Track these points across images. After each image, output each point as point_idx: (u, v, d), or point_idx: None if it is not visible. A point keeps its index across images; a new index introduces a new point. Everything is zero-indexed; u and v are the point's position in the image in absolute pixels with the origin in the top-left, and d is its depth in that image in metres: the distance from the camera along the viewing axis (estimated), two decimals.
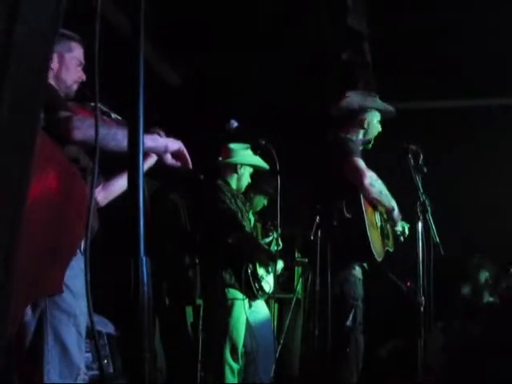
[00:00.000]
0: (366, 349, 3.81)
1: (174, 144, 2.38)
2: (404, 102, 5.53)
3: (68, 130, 2.14)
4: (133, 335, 1.25)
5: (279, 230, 3.89)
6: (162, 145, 2.34)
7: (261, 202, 4.67)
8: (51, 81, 2.44)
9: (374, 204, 3.84)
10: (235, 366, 3.91)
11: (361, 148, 3.92)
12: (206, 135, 4.46)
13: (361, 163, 3.71)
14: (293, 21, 5.07)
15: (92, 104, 2.46)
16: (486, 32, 5.03)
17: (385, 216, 3.95)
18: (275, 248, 4.09)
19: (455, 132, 5.90)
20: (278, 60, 5.31)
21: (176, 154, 2.39)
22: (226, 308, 3.89)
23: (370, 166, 3.81)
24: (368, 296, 3.82)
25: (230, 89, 5.36)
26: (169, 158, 2.38)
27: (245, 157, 4.15)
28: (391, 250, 3.94)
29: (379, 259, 3.70)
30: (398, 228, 4.03)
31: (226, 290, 3.90)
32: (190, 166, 2.43)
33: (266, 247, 4.11)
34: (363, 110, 3.95)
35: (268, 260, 4.06)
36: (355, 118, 3.95)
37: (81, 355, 2.27)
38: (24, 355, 2.23)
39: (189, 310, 4.54)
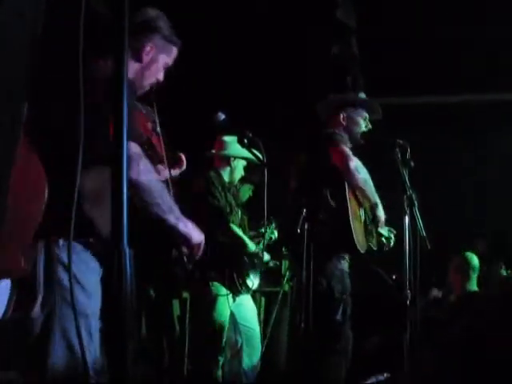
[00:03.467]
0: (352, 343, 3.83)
1: (198, 239, 2.41)
2: (392, 97, 5.54)
3: (132, 170, 2.08)
4: (115, 327, 1.24)
5: (273, 222, 3.90)
6: (189, 234, 2.36)
7: (246, 192, 4.66)
8: (131, 74, 2.32)
9: (358, 198, 3.84)
10: (219, 359, 3.91)
11: (349, 145, 3.92)
12: (192, 127, 4.44)
13: (347, 150, 3.72)
14: (282, 14, 5.07)
15: (148, 108, 2.43)
16: (477, 26, 5.05)
17: (369, 213, 3.95)
18: (271, 237, 4.12)
19: (443, 127, 5.92)
20: (265, 52, 5.30)
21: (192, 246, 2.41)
22: (210, 302, 3.88)
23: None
24: (353, 289, 3.84)
25: (217, 80, 5.34)
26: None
27: (239, 150, 4.13)
28: (375, 248, 3.95)
29: (362, 251, 3.71)
30: (383, 232, 4.03)
31: (210, 284, 3.89)
32: (197, 257, 2.46)
33: (251, 250, 4.07)
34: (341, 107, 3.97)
35: (253, 264, 4.05)
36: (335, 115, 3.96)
37: (89, 357, 2.15)
38: (29, 353, 2.16)
39: (175, 304, 4.54)
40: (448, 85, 5.80)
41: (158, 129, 2.49)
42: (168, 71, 2.49)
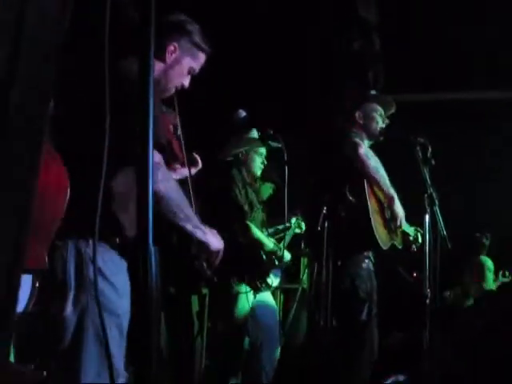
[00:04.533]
0: None
1: (217, 245, 2.44)
2: (413, 94, 5.51)
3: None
4: (141, 327, 1.25)
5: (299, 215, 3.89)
6: (207, 241, 2.38)
7: (267, 190, 4.66)
8: (155, 73, 2.24)
9: (378, 195, 3.82)
10: (239, 356, 3.92)
11: (368, 142, 3.91)
12: (213, 125, 4.45)
13: (359, 140, 3.71)
14: (304, 9, 5.05)
15: (171, 110, 2.44)
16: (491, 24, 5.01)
17: (389, 212, 3.91)
18: (296, 231, 4.12)
19: (464, 124, 5.87)
20: (286, 49, 5.29)
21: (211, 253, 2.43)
22: (231, 299, 3.90)
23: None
24: None
25: (238, 78, 5.34)
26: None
27: (247, 144, 4.13)
28: (399, 247, 3.92)
29: (385, 247, 3.69)
30: (409, 232, 4.00)
31: (231, 281, 3.91)
32: (216, 264, 2.49)
33: (270, 249, 4.07)
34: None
35: (273, 263, 4.05)
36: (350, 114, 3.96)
37: (121, 356, 2.19)
38: (62, 352, 2.17)
39: (194, 299, 4.55)
40: (471, 81, 5.75)
41: (179, 131, 2.50)
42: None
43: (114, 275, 2.17)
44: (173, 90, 2.43)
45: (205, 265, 2.52)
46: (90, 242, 2.13)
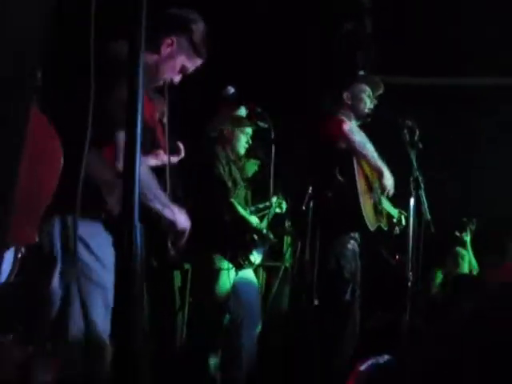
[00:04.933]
0: None
1: (183, 224, 2.42)
2: (403, 77, 5.50)
3: (117, 157, 2.13)
4: (125, 302, 1.24)
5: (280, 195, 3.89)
6: (172, 219, 2.37)
7: (252, 167, 4.64)
8: (148, 61, 2.30)
9: (367, 175, 3.82)
10: (219, 332, 3.92)
11: (355, 122, 3.91)
12: (201, 101, 4.41)
13: (344, 118, 3.69)
14: None
15: (159, 97, 2.42)
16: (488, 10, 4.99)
17: (379, 192, 3.92)
18: (277, 211, 4.12)
19: (460, 109, 5.86)
20: (277, 27, 5.24)
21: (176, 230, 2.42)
22: (212, 275, 3.89)
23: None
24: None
25: (226, 54, 5.29)
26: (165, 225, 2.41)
27: (233, 121, 4.09)
28: (385, 228, 3.94)
29: (372, 228, 3.70)
30: (393, 213, 4.02)
31: (213, 257, 3.90)
32: (182, 242, 2.47)
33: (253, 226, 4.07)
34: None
35: (255, 241, 4.05)
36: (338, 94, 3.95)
37: (106, 328, 2.21)
38: (49, 324, 2.22)
39: (177, 274, 4.56)
40: (461, 66, 5.74)
41: (165, 119, 2.48)
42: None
43: (100, 249, 2.20)
44: (160, 83, 2.43)
45: (169, 244, 2.51)
46: (75, 216, 2.11)
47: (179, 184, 4.41)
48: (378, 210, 3.89)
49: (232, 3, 4.94)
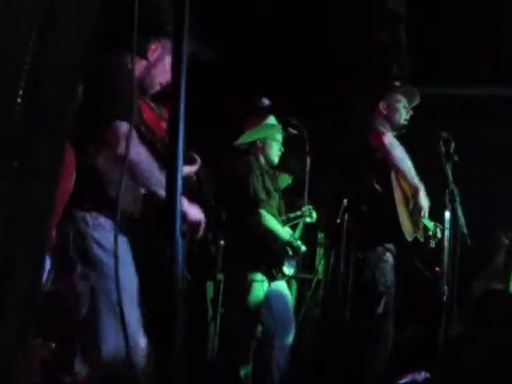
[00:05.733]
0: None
1: (195, 216, 2.45)
2: (439, 88, 5.44)
3: (115, 145, 2.18)
4: (166, 317, 1.24)
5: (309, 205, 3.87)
6: (184, 211, 2.35)
7: (285, 180, 4.64)
8: (139, 70, 2.41)
9: (403, 186, 3.77)
10: (252, 344, 3.91)
11: (392, 134, 3.87)
12: (236, 113, 4.42)
13: (384, 130, 3.65)
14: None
15: (163, 109, 2.49)
16: None
17: (413, 203, 3.85)
18: (307, 220, 4.10)
19: (488, 120, 5.78)
20: (310, 39, 5.24)
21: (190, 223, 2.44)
22: (246, 286, 3.89)
23: None
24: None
25: (261, 66, 5.30)
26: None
27: (262, 132, 4.09)
28: (421, 239, 3.88)
29: (409, 239, 3.65)
30: (429, 226, 3.95)
31: (246, 269, 3.89)
32: (198, 235, 2.48)
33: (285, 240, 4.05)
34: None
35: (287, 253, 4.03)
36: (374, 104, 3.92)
37: (136, 323, 2.27)
38: (79, 327, 2.26)
39: (209, 285, 4.56)
40: (498, 76, 5.64)
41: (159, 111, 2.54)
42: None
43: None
44: (158, 87, 2.53)
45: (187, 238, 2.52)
46: (89, 220, 2.25)
47: (211, 195, 4.43)
48: (414, 220, 3.83)
49: (264, 14, 4.95)
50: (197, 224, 2.46)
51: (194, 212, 2.46)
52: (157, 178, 2.28)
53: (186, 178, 2.64)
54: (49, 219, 1.37)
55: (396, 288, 3.78)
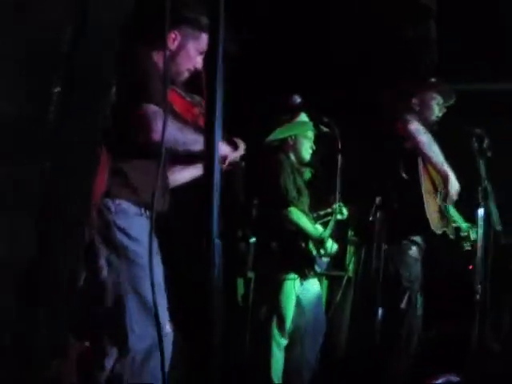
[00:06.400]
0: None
1: (222, 150, 2.43)
2: (471, 83, 5.35)
3: (146, 129, 2.17)
4: (204, 320, 1.24)
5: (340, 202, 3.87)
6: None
7: (306, 175, 4.61)
8: (161, 61, 2.39)
9: (433, 178, 3.71)
10: (282, 342, 3.91)
11: None
12: (267, 110, 4.41)
13: (410, 118, 3.61)
14: None
15: (196, 96, 2.47)
16: None
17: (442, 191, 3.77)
18: (338, 218, 4.08)
19: None
20: (339, 32, 5.19)
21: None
22: (277, 284, 3.88)
23: None
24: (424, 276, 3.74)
25: (293, 63, 5.28)
26: None
27: (293, 129, 4.08)
28: (451, 236, 3.83)
29: (436, 231, 3.61)
30: (464, 227, 3.89)
31: (278, 267, 3.89)
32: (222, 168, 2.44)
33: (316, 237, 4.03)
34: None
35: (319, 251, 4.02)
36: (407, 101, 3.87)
37: (162, 311, 2.26)
38: (104, 314, 2.26)
39: (240, 282, 4.56)
40: None
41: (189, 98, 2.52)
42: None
43: (139, 234, 2.24)
44: (186, 74, 2.51)
45: None
46: (112, 207, 2.24)
47: (241, 191, 4.43)
48: (443, 214, 3.77)
49: (295, 11, 4.93)
50: (224, 158, 2.46)
51: (222, 146, 2.42)
52: (192, 138, 2.27)
53: (233, 164, 2.62)
54: (84, 216, 1.38)
55: (425, 284, 3.74)
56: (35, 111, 1.22)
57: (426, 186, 3.61)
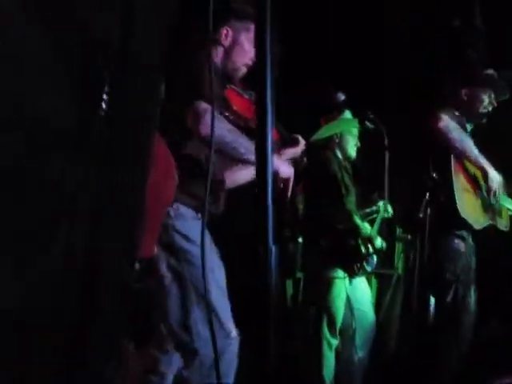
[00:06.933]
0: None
1: (286, 171, 2.35)
2: None
3: (197, 125, 2.16)
4: (261, 331, 1.22)
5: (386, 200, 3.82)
6: (276, 168, 2.27)
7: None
8: (217, 59, 2.40)
9: (469, 171, 3.62)
10: (333, 342, 3.87)
11: (470, 124, 3.74)
12: (311, 107, 4.37)
13: (442, 115, 3.51)
14: None
15: (251, 92, 2.42)
16: None
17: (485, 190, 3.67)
18: (384, 216, 4.02)
19: None
20: (382, 29, 5.13)
21: (281, 180, 2.36)
22: (326, 284, 3.85)
23: (481, 140, 3.65)
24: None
25: (335, 60, 5.24)
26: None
27: (338, 126, 4.03)
28: (504, 229, 3.72)
29: (477, 227, 3.52)
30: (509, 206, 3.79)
31: (327, 265, 3.85)
32: (287, 196, 2.40)
33: (367, 234, 3.98)
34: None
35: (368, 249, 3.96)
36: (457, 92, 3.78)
37: (227, 311, 2.26)
38: (169, 323, 2.26)
39: (289, 283, 4.54)
40: None
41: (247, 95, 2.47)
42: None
43: (198, 237, 2.13)
44: (244, 69, 2.47)
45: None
46: (171, 210, 2.24)
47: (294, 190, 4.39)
48: (488, 208, 3.65)
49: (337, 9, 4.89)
50: (287, 180, 2.36)
51: (285, 168, 2.36)
52: (245, 147, 2.23)
53: (295, 161, 2.58)
54: (138, 217, 1.37)
55: (479, 280, 3.64)
56: (83, 114, 1.21)
57: (461, 183, 3.54)
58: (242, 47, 2.44)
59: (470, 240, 3.62)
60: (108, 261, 1.27)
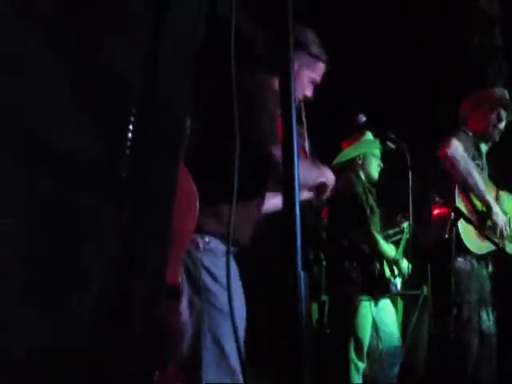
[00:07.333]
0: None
1: (330, 179, 2.36)
2: None
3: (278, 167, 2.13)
4: (292, 359, 1.21)
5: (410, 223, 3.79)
6: (323, 180, 2.29)
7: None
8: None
9: (473, 202, 3.58)
10: (360, 365, 3.84)
11: (486, 144, 3.72)
12: (331, 130, 4.37)
13: (453, 140, 3.47)
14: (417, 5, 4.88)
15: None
16: None
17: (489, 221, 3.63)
18: (407, 237, 3.98)
19: None
20: (401, 49, 5.13)
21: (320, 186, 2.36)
22: (352, 306, 3.82)
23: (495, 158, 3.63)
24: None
25: (355, 81, 5.24)
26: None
27: (360, 147, 4.03)
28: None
29: (479, 252, 3.50)
30: None
31: (352, 288, 3.83)
32: (325, 196, 2.38)
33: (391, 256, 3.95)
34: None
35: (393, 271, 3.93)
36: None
37: (236, 360, 2.15)
38: (181, 358, 2.21)
39: (314, 306, 4.50)
40: None
41: (307, 144, 2.47)
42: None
43: (223, 277, 2.12)
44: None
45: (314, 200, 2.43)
46: (200, 244, 2.16)
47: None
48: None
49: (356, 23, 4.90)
50: (328, 186, 2.36)
51: (330, 176, 2.36)
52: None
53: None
54: (166, 248, 1.37)
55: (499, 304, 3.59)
56: (109, 147, 1.21)
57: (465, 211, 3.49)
58: (301, 82, 2.41)
59: (483, 263, 3.58)
60: (139, 295, 1.27)
